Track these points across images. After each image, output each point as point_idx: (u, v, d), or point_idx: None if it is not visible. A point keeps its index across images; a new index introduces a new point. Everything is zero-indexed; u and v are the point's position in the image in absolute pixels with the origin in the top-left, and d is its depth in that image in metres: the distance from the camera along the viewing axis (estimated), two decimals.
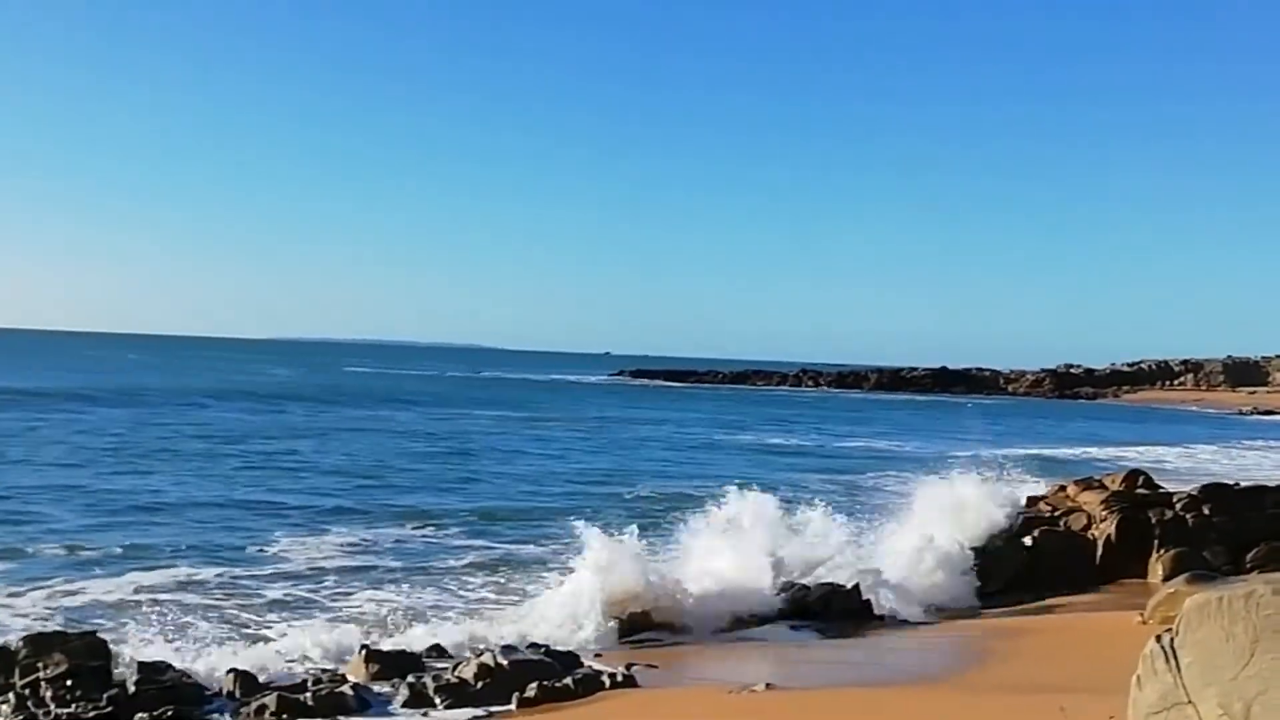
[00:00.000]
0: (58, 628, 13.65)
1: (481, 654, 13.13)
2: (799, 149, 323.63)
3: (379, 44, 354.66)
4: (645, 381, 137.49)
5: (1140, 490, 23.07)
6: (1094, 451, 52.55)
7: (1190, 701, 6.72)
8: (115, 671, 12.18)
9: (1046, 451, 53.00)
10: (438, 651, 14.12)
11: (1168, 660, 6.85)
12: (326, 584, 18.29)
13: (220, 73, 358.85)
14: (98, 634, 13.22)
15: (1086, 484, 23.61)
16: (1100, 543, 21.14)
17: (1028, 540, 21.28)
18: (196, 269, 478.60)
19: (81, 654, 12.29)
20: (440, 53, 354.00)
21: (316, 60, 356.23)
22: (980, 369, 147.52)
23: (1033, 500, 23.80)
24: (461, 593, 18.08)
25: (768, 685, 12.29)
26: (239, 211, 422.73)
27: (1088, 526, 21.60)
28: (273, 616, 15.90)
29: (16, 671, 11.91)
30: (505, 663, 12.69)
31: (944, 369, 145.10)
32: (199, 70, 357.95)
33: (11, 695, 11.60)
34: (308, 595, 17.36)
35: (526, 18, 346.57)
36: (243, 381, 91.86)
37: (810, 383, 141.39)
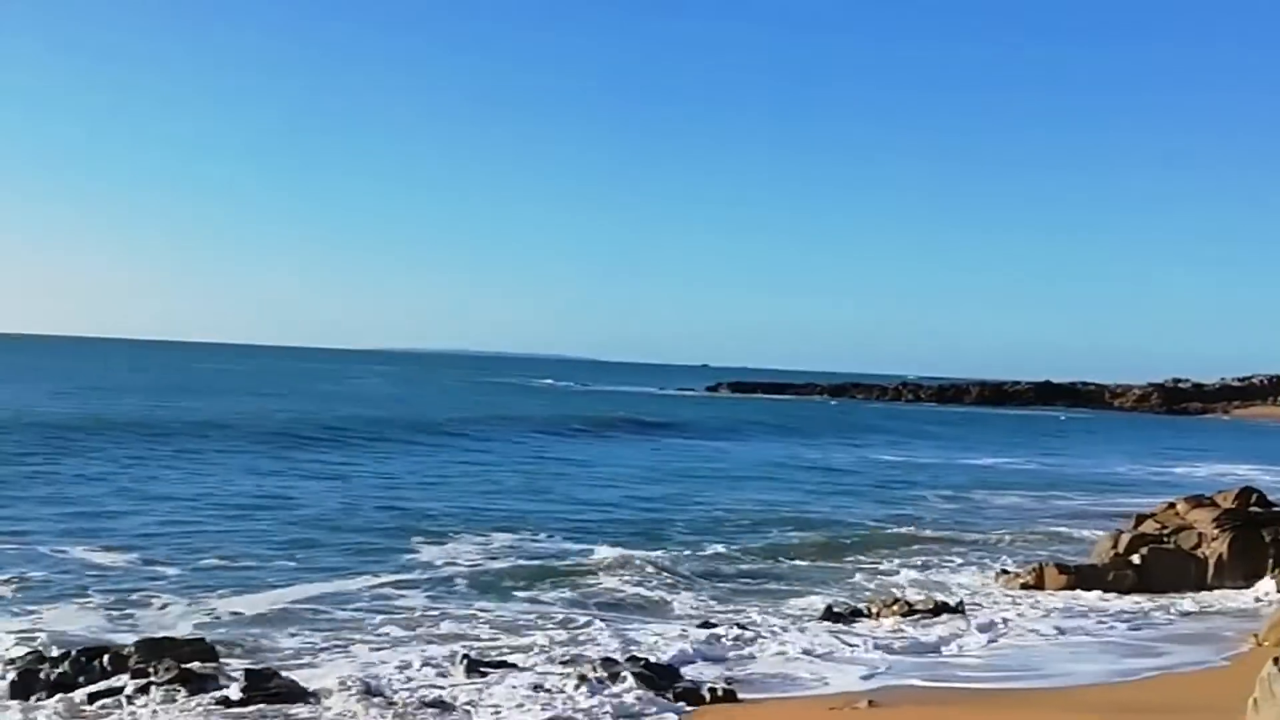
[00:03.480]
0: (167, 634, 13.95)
1: (580, 666, 13.20)
2: (901, 157, 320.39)
3: (456, 61, 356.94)
4: (744, 395, 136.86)
5: (1253, 508, 22.55)
6: (1203, 468, 51.41)
7: None
8: (223, 677, 12.40)
9: (1153, 468, 52.09)
10: (541, 661, 14.15)
11: None
12: (440, 593, 18.55)
13: (275, 85, 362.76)
14: (206, 640, 13.53)
15: (1197, 501, 23.11)
16: (1211, 561, 20.67)
17: (1135, 558, 20.89)
18: (281, 280, 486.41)
19: (190, 659, 12.59)
20: (508, 65, 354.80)
21: (355, 69, 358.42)
22: (1085, 383, 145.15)
23: (1141, 518, 23.35)
24: (570, 605, 18.11)
25: (870, 703, 12.17)
26: (322, 223, 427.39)
27: (1198, 545, 21.13)
28: (383, 625, 16.09)
29: (128, 674, 12.20)
30: (605, 675, 12.71)
31: (1047, 383, 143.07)
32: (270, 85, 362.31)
33: (123, 698, 11.87)
34: (421, 605, 17.57)
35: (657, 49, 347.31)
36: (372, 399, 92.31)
37: (910, 396, 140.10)
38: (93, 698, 11.80)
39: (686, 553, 23.15)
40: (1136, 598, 19.68)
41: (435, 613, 16.99)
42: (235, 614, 16.32)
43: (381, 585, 18.82)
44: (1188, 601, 19.50)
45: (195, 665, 12.50)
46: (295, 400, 76.64)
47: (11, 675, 12.09)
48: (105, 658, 12.48)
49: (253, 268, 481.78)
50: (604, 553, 22.33)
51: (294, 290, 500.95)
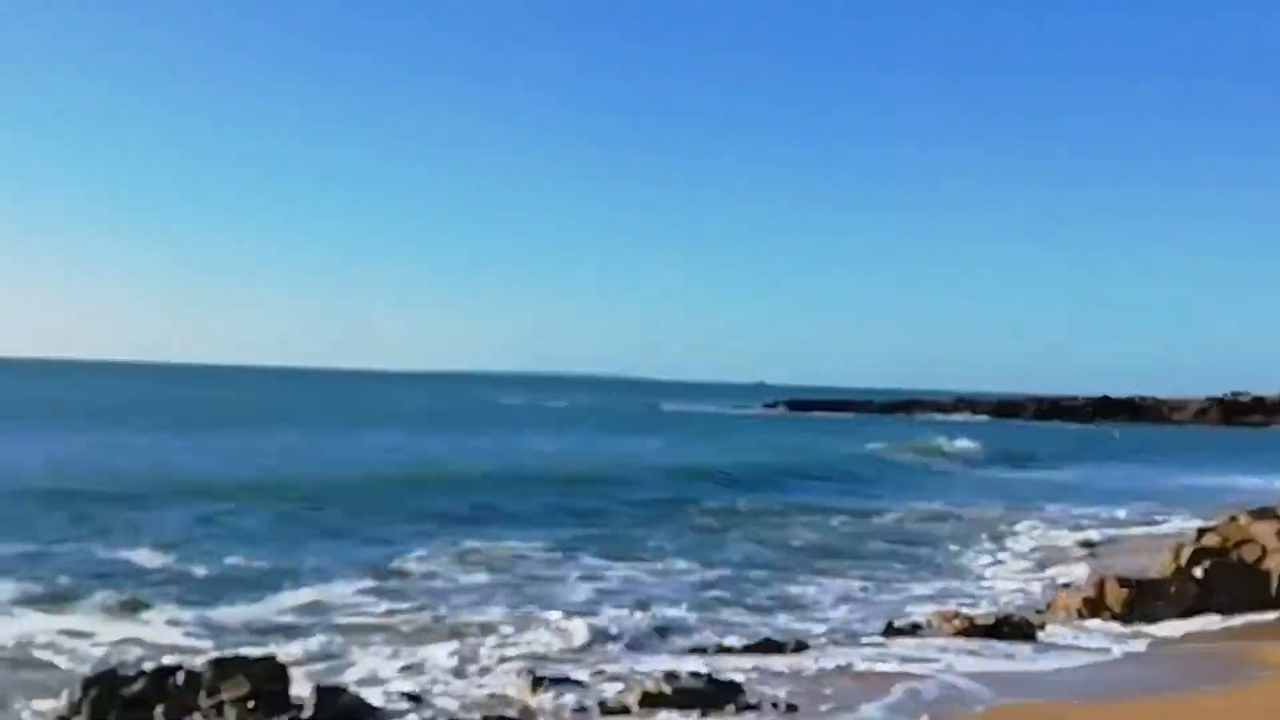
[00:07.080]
0: (241, 649, 14.24)
1: (645, 680, 13.35)
2: (940, 166, 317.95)
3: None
4: (802, 413, 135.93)
5: None
6: (1262, 480, 50.68)
7: None
8: (294, 695, 12.64)
9: (1214, 481, 51.45)
10: (602, 676, 14.30)
11: None
12: (501, 604, 18.85)
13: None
14: (277, 658, 13.77)
15: (1260, 513, 22.90)
16: (1276, 575, 20.48)
17: (1198, 572, 20.73)
18: (334, 301, 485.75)
19: (262, 678, 12.81)
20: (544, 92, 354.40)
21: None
22: (1143, 397, 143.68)
23: (1203, 531, 23.17)
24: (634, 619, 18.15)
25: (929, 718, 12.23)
26: (376, 244, 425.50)
27: (1262, 558, 20.95)
28: (445, 636, 16.33)
29: (202, 694, 12.47)
30: (669, 690, 12.84)
31: (1105, 398, 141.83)
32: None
33: (199, 716, 12.14)
34: (486, 617, 17.78)
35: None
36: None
37: (967, 411, 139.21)
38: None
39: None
40: (1198, 610, 19.57)
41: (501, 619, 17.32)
42: (289, 624, 16.63)
43: (417, 587, 19.03)
44: (1251, 614, 19.37)
45: (267, 685, 12.75)
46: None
47: (93, 693, 12.34)
48: (179, 676, 12.73)
49: (266, 288, 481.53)
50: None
51: (298, 309, 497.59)
